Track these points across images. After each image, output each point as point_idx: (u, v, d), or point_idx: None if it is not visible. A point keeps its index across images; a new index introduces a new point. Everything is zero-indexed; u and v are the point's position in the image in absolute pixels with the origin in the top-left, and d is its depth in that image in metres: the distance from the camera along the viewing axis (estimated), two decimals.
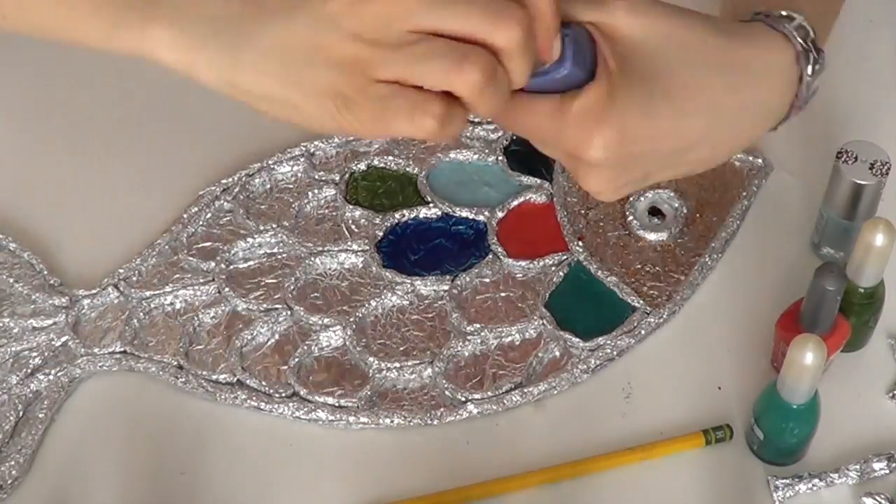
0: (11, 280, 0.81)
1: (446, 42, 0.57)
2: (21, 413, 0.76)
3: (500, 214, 0.84)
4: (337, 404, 0.76)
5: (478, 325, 0.79)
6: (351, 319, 0.79)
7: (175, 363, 0.78)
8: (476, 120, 0.88)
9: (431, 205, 0.84)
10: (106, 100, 0.91)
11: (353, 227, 0.83)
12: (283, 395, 0.77)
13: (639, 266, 0.81)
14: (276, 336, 0.80)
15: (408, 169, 0.86)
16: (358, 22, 0.57)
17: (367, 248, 0.82)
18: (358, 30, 0.58)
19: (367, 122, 0.59)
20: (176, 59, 0.61)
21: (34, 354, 0.79)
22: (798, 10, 0.69)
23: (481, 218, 0.84)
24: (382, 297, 0.80)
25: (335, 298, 0.81)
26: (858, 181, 0.76)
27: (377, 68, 0.58)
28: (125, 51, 0.63)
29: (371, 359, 0.77)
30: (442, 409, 0.76)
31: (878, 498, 0.72)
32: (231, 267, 0.82)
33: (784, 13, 0.68)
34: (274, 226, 0.83)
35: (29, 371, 0.78)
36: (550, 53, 0.60)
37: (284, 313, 0.80)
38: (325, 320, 0.79)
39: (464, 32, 0.57)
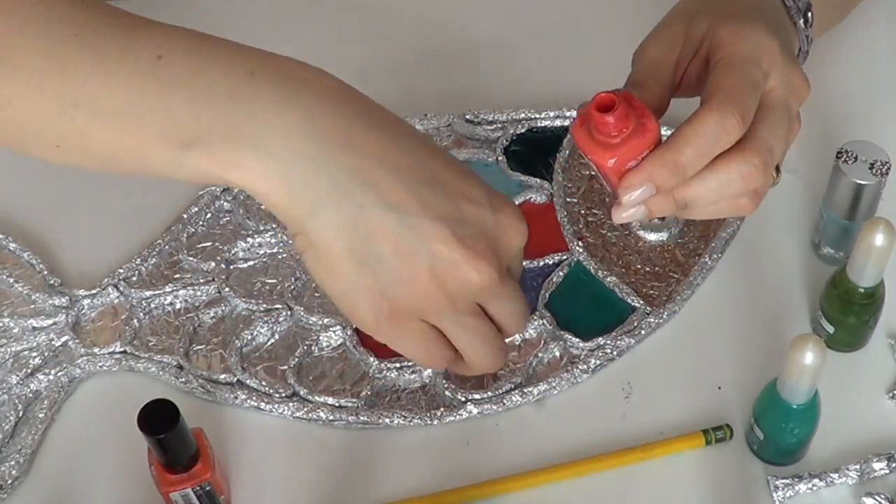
0: (11, 280, 0.81)
1: (494, 331, 0.62)
2: (21, 413, 0.76)
3: None
4: (337, 404, 0.76)
5: None
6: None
7: (175, 363, 0.78)
8: (476, 120, 0.88)
9: None
10: None
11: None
12: (283, 395, 0.77)
13: (639, 266, 0.81)
14: (276, 336, 0.80)
15: None
16: (448, 272, 0.58)
17: None
18: (443, 277, 0.58)
19: (384, 335, 0.60)
20: (260, 190, 0.55)
21: (34, 354, 0.79)
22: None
23: None
24: None
25: None
26: (858, 181, 0.76)
27: (433, 314, 0.60)
28: (193, 175, 0.56)
29: (371, 359, 0.77)
30: (442, 409, 0.76)
31: (878, 498, 0.72)
32: (231, 267, 0.82)
33: None
34: (274, 226, 0.83)
35: (29, 371, 0.78)
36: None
37: (284, 313, 0.80)
38: (325, 320, 0.79)
39: (505, 325, 0.63)
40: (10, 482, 0.74)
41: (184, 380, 0.77)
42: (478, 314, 0.61)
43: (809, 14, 0.73)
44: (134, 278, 0.81)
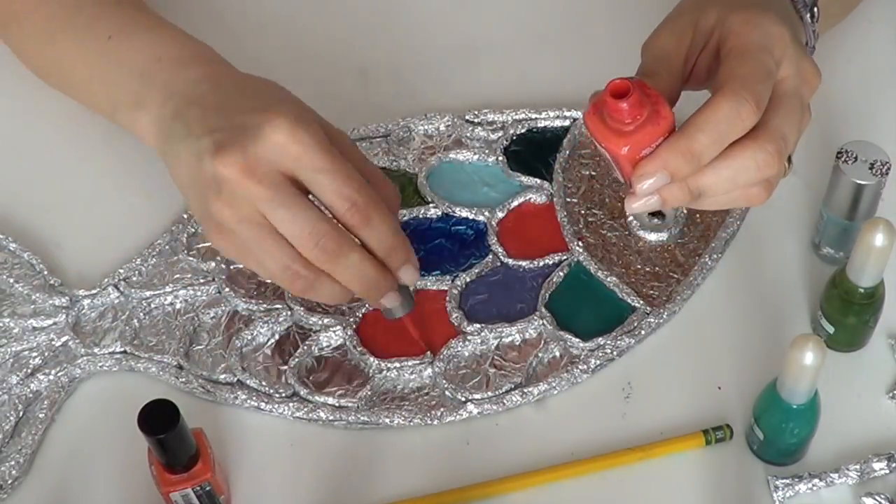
0: (11, 280, 0.81)
1: (279, 246, 0.68)
2: (21, 413, 0.76)
3: (500, 214, 0.84)
4: (337, 404, 0.76)
5: (478, 325, 0.79)
6: (351, 319, 0.79)
7: (175, 363, 0.78)
8: (476, 120, 0.88)
9: (431, 205, 0.84)
10: None
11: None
12: (283, 395, 0.77)
13: (639, 266, 0.81)
14: (276, 336, 0.80)
15: (408, 169, 0.86)
16: (217, 177, 0.67)
17: None
18: (217, 184, 0.67)
19: (224, 251, 0.70)
20: (151, 143, 0.74)
21: (34, 354, 0.78)
22: None
23: (481, 218, 0.84)
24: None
25: None
26: (858, 181, 0.76)
27: (224, 225, 0.68)
28: (124, 128, 0.78)
29: (371, 359, 0.77)
30: (442, 409, 0.76)
31: (878, 498, 0.72)
32: (231, 267, 0.82)
33: None
34: None
35: (29, 371, 0.78)
36: (402, 279, 0.72)
37: (284, 313, 0.80)
38: (325, 320, 0.79)
39: (289, 238, 0.68)
40: (10, 482, 0.74)
41: (184, 380, 0.77)
42: (259, 223, 0.67)
43: (816, 9, 0.73)
44: (134, 278, 0.81)
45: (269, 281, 0.78)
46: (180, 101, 0.72)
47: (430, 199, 0.84)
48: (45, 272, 0.81)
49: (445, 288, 0.81)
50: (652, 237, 0.82)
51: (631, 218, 0.83)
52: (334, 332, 0.79)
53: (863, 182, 0.76)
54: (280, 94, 0.72)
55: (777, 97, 0.65)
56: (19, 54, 0.85)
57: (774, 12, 0.67)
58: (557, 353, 0.78)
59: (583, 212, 0.84)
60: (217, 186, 0.67)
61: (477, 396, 0.76)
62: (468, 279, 0.81)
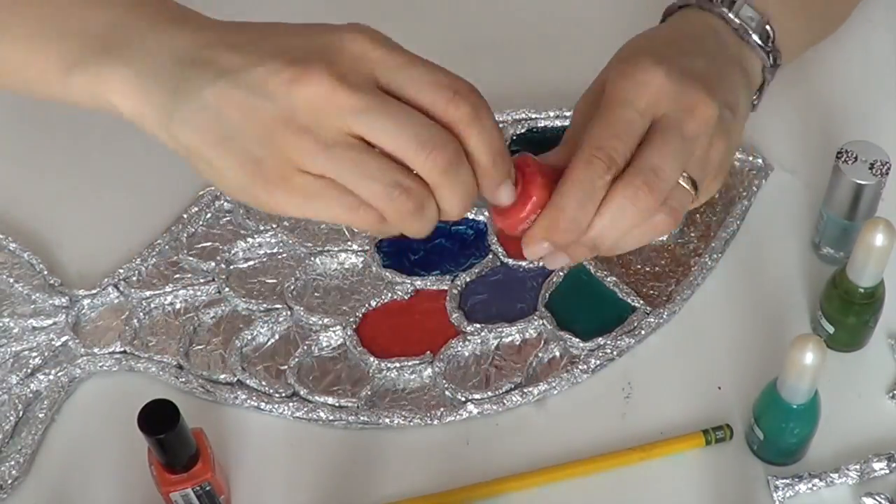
0: (11, 280, 0.81)
1: (380, 163, 0.57)
2: (21, 413, 0.76)
3: None
4: (337, 404, 0.76)
5: (478, 325, 0.79)
6: (351, 319, 0.79)
7: (175, 363, 0.78)
8: None
9: None
10: None
11: (353, 227, 0.83)
12: (283, 395, 0.77)
13: (639, 266, 0.82)
14: (276, 336, 0.80)
15: None
16: (292, 105, 0.57)
17: (367, 248, 0.82)
18: (291, 114, 0.57)
19: (284, 206, 0.59)
20: (127, 105, 0.60)
21: (34, 354, 0.79)
22: (770, 13, 0.73)
23: (481, 218, 0.84)
24: (382, 296, 0.80)
25: (335, 298, 0.81)
26: (858, 181, 0.76)
27: (304, 160, 0.58)
28: (81, 95, 0.62)
29: (371, 359, 0.77)
30: (442, 409, 0.76)
31: (878, 498, 0.72)
32: (231, 267, 0.82)
33: None
34: (274, 226, 0.83)
35: (29, 371, 0.78)
36: (499, 198, 0.62)
37: (284, 313, 0.80)
38: (325, 320, 0.79)
39: (392, 151, 0.58)
40: (10, 482, 0.74)
41: (184, 380, 0.77)
42: (351, 145, 0.57)
43: (768, 28, 0.74)
44: (134, 278, 0.81)
45: (353, 227, 0.68)
46: (190, 46, 0.60)
47: None
48: (45, 272, 0.81)
49: (445, 288, 0.81)
50: None
51: None
52: (334, 332, 0.79)
53: (863, 182, 0.76)
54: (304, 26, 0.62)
55: (652, 133, 0.65)
56: None
57: (655, 55, 0.67)
58: (557, 353, 0.78)
59: None
60: (293, 117, 0.57)
61: (477, 396, 0.76)
62: (468, 279, 0.81)
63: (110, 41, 0.61)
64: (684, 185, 0.65)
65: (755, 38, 0.73)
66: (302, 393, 0.77)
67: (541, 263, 0.66)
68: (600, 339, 0.78)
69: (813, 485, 0.72)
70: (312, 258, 0.82)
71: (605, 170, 0.63)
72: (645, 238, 0.66)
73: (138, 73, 0.59)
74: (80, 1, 0.62)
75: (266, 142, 0.57)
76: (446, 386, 0.77)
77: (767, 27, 0.74)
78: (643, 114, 0.65)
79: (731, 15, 0.73)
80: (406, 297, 0.81)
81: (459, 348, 0.78)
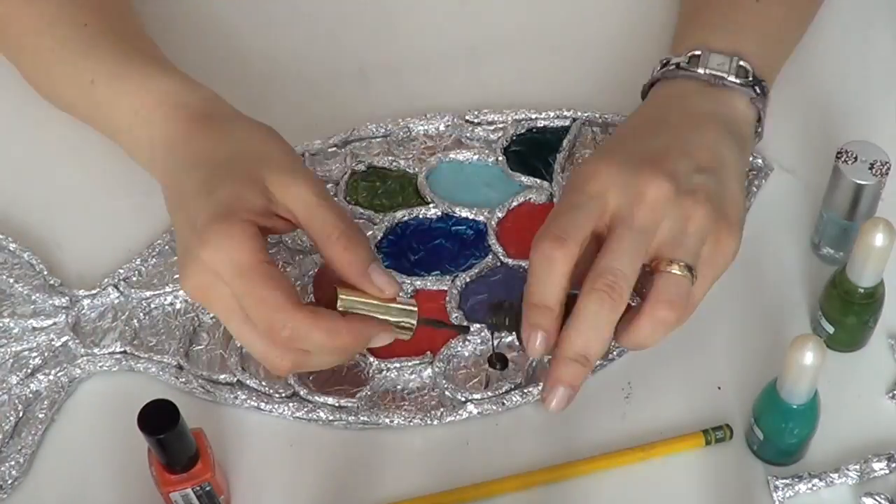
0: (11, 280, 0.81)
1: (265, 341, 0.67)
2: (21, 413, 0.76)
3: (500, 214, 0.84)
4: (337, 404, 0.76)
5: (478, 326, 0.79)
6: None
7: (175, 363, 0.78)
8: (476, 120, 0.88)
9: (431, 205, 0.84)
10: None
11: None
12: (283, 395, 0.77)
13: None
14: None
15: (408, 169, 0.86)
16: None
17: None
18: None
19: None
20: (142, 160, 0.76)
21: (34, 354, 0.78)
22: (741, 49, 0.76)
23: (481, 218, 0.84)
24: None
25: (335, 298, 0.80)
26: (858, 181, 0.76)
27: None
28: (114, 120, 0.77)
29: (371, 359, 0.77)
30: (442, 409, 0.76)
31: (878, 498, 0.72)
32: None
33: (692, 54, 0.76)
34: None
35: (29, 371, 0.78)
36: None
37: None
38: None
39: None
40: (10, 482, 0.74)
41: (184, 380, 0.77)
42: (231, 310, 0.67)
43: (744, 64, 0.75)
44: (134, 278, 0.81)
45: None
46: (158, 171, 0.73)
47: (430, 199, 0.84)
48: (45, 272, 0.81)
49: (445, 288, 0.80)
50: None
51: None
52: None
53: (863, 182, 0.76)
54: (227, 176, 0.69)
55: (608, 233, 0.68)
56: (30, 84, 0.84)
57: (605, 151, 0.71)
58: None
59: None
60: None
61: (477, 396, 0.76)
62: (468, 279, 0.81)
63: (130, 146, 0.77)
64: (677, 272, 0.67)
65: (731, 79, 0.75)
66: (302, 393, 0.77)
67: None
68: None
69: (813, 485, 0.72)
70: (312, 257, 0.82)
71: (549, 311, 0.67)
72: (658, 332, 0.68)
73: (147, 167, 0.76)
74: (103, 97, 0.77)
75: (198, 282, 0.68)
76: (446, 386, 0.77)
77: (742, 63, 0.75)
78: (591, 196, 0.68)
79: (699, 71, 0.75)
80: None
81: (459, 348, 0.78)
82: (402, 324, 0.69)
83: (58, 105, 0.82)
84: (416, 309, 0.69)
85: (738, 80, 0.75)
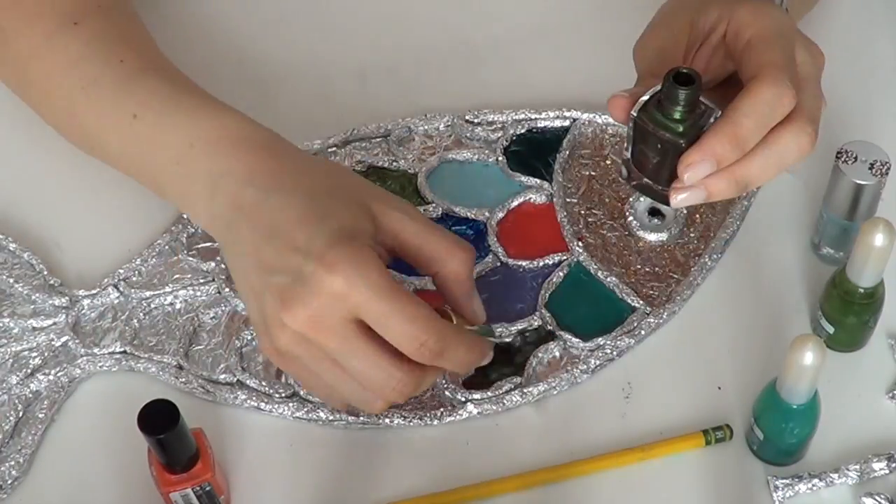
0: (11, 280, 0.81)
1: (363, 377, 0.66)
2: (21, 413, 0.76)
3: (500, 214, 0.84)
4: None
5: (477, 326, 0.79)
6: None
7: (175, 363, 0.78)
8: (476, 120, 0.88)
9: (431, 205, 0.84)
10: None
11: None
12: (283, 395, 0.77)
13: (639, 266, 0.81)
14: None
15: (408, 169, 0.86)
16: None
17: None
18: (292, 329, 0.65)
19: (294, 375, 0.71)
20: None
21: (34, 354, 0.79)
22: None
23: (481, 218, 0.84)
24: None
25: None
26: (858, 181, 0.76)
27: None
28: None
29: None
30: (442, 409, 0.76)
31: (878, 498, 0.72)
32: None
33: None
34: None
35: (29, 371, 0.78)
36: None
37: None
38: None
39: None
40: (10, 482, 0.74)
41: (184, 380, 0.77)
42: (331, 362, 0.65)
43: None
44: (134, 278, 0.81)
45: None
46: (227, 203, 0.68)
47: (430, 199, 0.84)
48: (45, 272, 0.81)
49: None
50: (652, 237, 0.82)
51: (631, 218, 0.83)
52: None
53: (863, 182, 0.76)
54: (334, 203, 0.67)
55: (800, 80, 0.67)
56: (56, 129, 0.81)
57: (770, 2, 0.69)
58: (557, 353, 0.78)
59: (583, 212, 0.84)
60: (283, 328, 0.65)
61: (477, 396, 0.76)
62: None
63: (182, 186, 0.72)
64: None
65: None
66: (302, 393, 0.77)
67: (678, 198, 0.66)
68: (600, 339, 0.78)
69: (813, 485, 0.72)
70: None
71: (792, 97, 0.65)
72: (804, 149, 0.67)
73: (204, 212, 0.71)
74: (146, 134, 0.73)
75: (267, 330, 0.66)
76: (446, 386, 0.77)
77: None
78: (795, 51, 0.67)
79: None
80: None
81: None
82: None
83: (86, 148, 0.79)
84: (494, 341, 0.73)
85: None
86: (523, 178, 0.85)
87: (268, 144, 0.70)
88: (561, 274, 0.81)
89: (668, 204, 0.67)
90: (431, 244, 0.68)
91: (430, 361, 0.65)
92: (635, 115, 0.66)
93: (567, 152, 0.86)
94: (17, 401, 0.77)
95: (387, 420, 0.76)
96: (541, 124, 0.88)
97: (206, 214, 0.70)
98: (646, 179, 0.68)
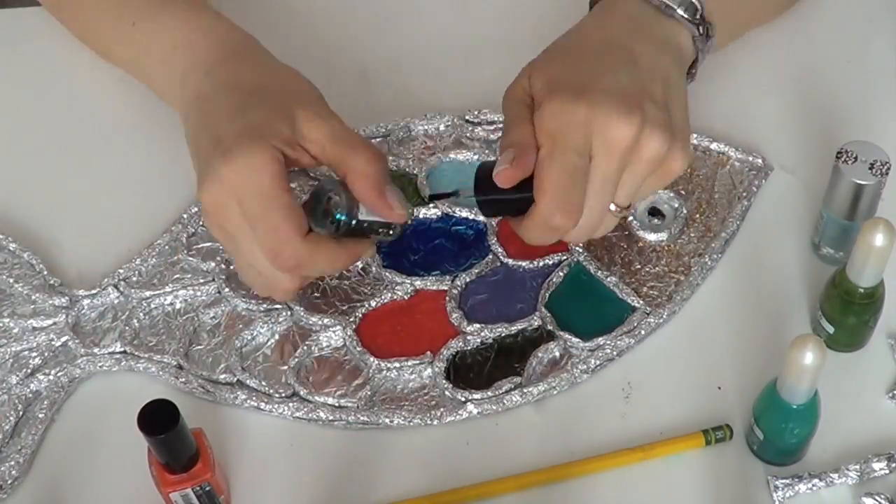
0: (11, 280, 0.81)
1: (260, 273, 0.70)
2: (21, 413, 0.76)
3: None
4: (337, 404, 0.76)
5: (478, 325, 0.79)
6: (351, 319, 0.79)
7: (175, 363, 0.78)
8: (476, 120, 0.88)
9: (431, 205, 0.84)
10: (106, 100, 0.91)
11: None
12: (283, 395, 0.77)
13: (639, 266, 0.81)
14: (276, 336, 0.80)
15: (408, 169, 0.86)
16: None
17: None
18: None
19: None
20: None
21: (34, 354, 0.79)
22: None
23: (481, 218, 0.84)
24: (382, 297, 0.80)
25: (335, 298, 0.80)
26: (858, 181, 0.76)
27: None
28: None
29: (371, 359, 0.77)
30: (442, 409, 0.76)
31: (878, 498, 0.72)
32: (231, 267, 0.82)
33: None
34: None
35: (29, 371, 0.78)
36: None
37: (284, 313, 0.80)
38: (325, 320, 0.79)
39: None
40: (10, 482, 0.74)
41: (184, 380, 0.77)
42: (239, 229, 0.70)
43: (695, 1, 0.75)
44: (134, 278, 0.81)
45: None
46: (191, 94, 0.75)
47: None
48: (45, 272, 0.81)
49: (445, 288, 0.81)
50: (652, 237, 0.82)
51: (631, 218, 0.83)
52: (334, 332, 0.79)
53: (863, 182, 0.76)
54: (256, 102, 0.72)
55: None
56: (78, 37, 0.90)
57: (580, 80, 0.70)
58: (557, 353, 0.78)
59: None
60: (202, 207, 0.72)
61: (477, 396, 0.76)
62: (468, 279, 0.81)
63: (165, 84, 0.79)
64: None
65: (680, 12, 0.75)
66: (302, 393, 0.77)
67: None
68: (600, 339, 0.78)
69: (813, 485, 0.72)
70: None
71: (561, 221, 0.69)
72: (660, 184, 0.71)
73: (179, 105, 0.77)
74: (142, 38, 0.81)
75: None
76: (446, 386, 0.77)
77: (694, 0, 0.75)
78: (582, 153, 0.69)
79: None
80: (406, 298, 0.81)
81: (459, 348, 0.78)
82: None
83: (99, 52, 0.87)
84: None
85: (685, 15, 0.75)
86: None
87: (237, 46, 0.77)
88: (561, 274, 0.81)
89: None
90: (340, 147, 0.71)
91: (288, 272, 0.69)
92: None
93: None
94: (17, 401, 0.77)
95: (387, 420, 0.76)
96: None
97: (177, 104, 0.77)
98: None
